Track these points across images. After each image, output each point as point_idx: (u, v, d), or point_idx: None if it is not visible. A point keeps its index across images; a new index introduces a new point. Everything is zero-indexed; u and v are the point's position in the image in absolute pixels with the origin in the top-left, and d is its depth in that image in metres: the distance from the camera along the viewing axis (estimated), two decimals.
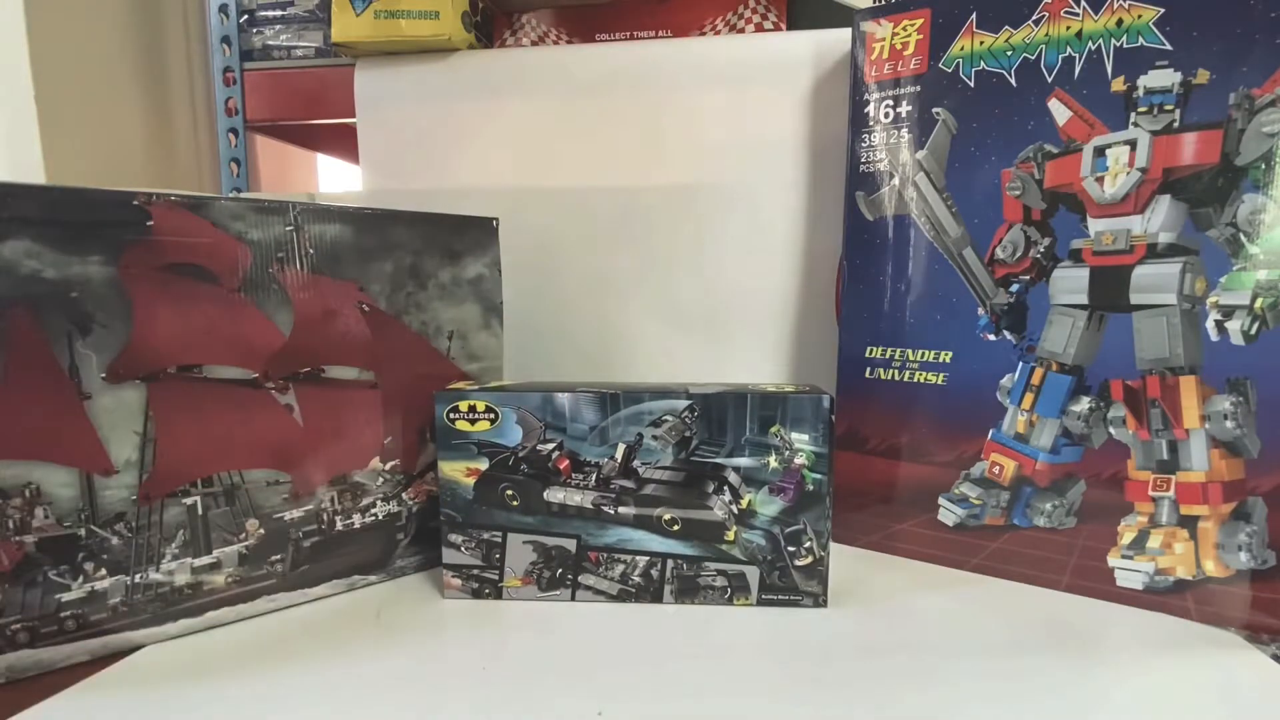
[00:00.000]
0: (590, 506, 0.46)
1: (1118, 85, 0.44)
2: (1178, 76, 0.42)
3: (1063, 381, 0.48)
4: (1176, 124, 0.43)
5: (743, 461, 0.45)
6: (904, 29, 0.52)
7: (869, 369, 0.55)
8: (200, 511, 0.42)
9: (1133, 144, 0.44)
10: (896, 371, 0.54)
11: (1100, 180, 0.45)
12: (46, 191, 0.37)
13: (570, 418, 0.45)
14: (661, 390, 0.45)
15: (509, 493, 0.46)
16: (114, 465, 0.39)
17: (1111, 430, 0.46)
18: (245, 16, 0.77)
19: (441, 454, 0.46)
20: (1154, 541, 0.45)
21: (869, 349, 0.55)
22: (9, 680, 0.37)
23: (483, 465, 0.46)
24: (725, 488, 0.45)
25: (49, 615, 0.38)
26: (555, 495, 0.46)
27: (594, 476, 0.46)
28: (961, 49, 0.49)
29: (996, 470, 0.50)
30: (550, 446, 0.46)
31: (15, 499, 0.36)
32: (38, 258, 0.36)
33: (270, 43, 0.77)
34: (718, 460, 0.45)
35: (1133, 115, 0.44)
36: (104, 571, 0.39)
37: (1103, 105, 0.45)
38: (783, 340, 0.65)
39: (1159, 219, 0.44)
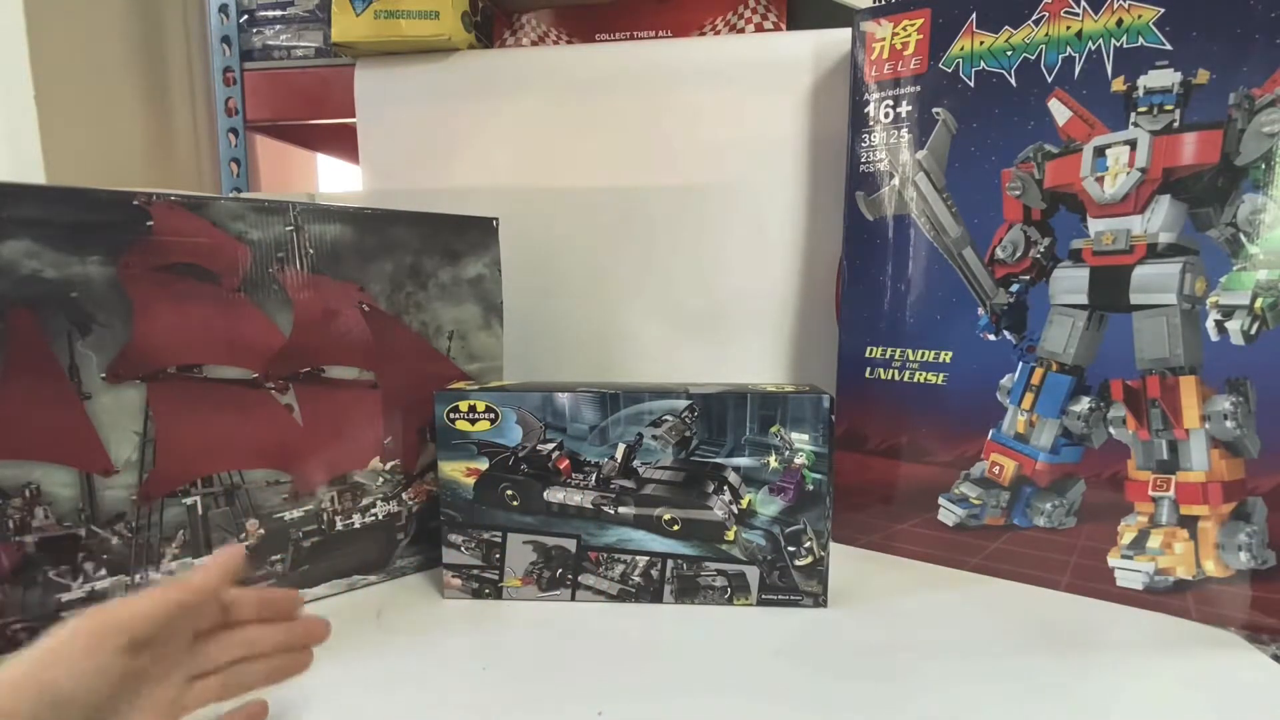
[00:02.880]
0: (590, 506, 0.46)
1: (1118, 85, 0.44)
2: (1178, 76, 0.42)
3: (1063, 381, 0.48)
4: (1176, 124, 0.43)
5: (743, 461, 0.45)
6: (904, 29, 0.52)
7: (869, 369, 0.55)
8: (200, 511, 0.42)
9: (1133, 144, 0.44)
10: (896, 371, 0.54)
11: (1100, 180, 0.45)
12: (46, 191, 0.37)
13: (570, 418, 0.45)
14: (661, 390, 0.45)
15: (509, 493, 0.46)
16: (114, 465, 0.39)
17: (1111, 430, 0.46)
18: (245, 16, 0.77)
19: (441, 454, 0.46)
20: (1154, 541, 0.45)
21: (869, 349, 0.55)
22: None
23: (483, 465, 0.46)
24: (725, 488, 0.45)
25: (49, 615, 0.38)
26: (555, 495, 0.46)
27: (594, 476, 0.46)
28: (961, 49, 0.49)
29: (996, 470, 0.50)
30: (550, 446, 0.46)
31: (15, 499, 0.36)
32: (38, 258, 0.36)
33: (270, 43, 0.77)
34: (718, 460, 0.45)
35: (1133, 115, 0.44)
36: (104, 571, 0.39)
37: (1103, 105, 0.45)
38: (783, 340, 0.65)
39: (1159, 219, 0.44)
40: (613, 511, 0.46)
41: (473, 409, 0.46)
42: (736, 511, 0.45)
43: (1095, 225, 0.46)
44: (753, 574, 0.46)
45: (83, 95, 0.73)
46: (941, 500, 0.52)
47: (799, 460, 0.44)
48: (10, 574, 0.37)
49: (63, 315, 0.37)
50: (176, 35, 0.83)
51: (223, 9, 0.77)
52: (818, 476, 0.44)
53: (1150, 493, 0.45)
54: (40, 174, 0.68)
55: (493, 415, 0.46)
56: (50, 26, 0.68)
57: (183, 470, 0.41)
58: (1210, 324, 0.43)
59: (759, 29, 0.70)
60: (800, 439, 0.44)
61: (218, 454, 0.42)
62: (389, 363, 0.49)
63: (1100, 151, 0.45)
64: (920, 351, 0.53)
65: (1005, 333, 0.49)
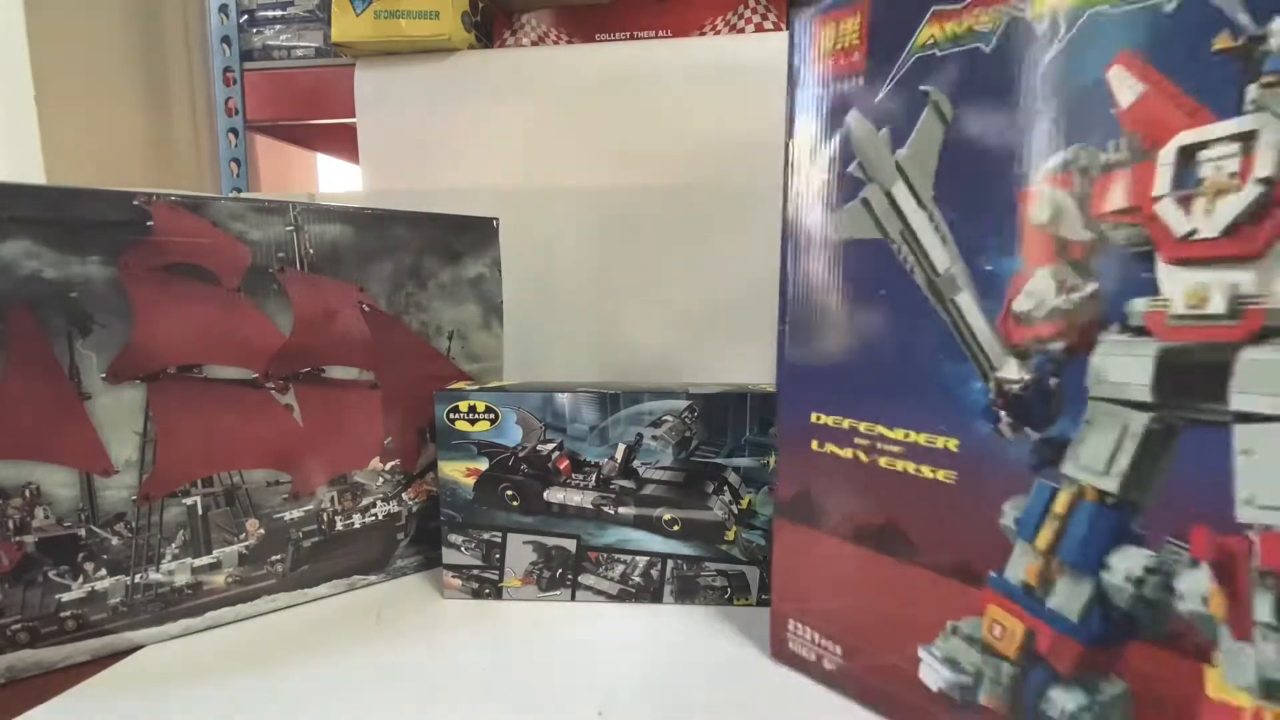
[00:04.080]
0: (590, 506, 0.46)
1: (1223, 42, 0.24)
2: None
3: (1103, 517, 0.28)
4: None
5: (743, 461, 0.45)
6: (847, 25, 0.33)
7: (816, 440, 0.37)
8: (200, 511, 0.42)
9: (1248, 140, 0.24)
10: (856, 450, 0.36)
11: (1187, 201, 0.25)
12: (46, 191, 0.37)
13: (570, 418, 0.45)
14: (661, 390, 0.45)
15: (509, 493, 0.46)
16: (114, 465, 0.39)
17: (1181, 610, 0.26)
18: (245, 16, 0.77)
19: (441, 454, 0.46)
20: None
21: (814, 414, 0.37)
22: (9, 680, 0.37)
23: (483, 465, 0.46)
24: (725, 488, 0.45)
25: (49, 615, 0.38)
26: (555, 495, 0.46)
27: (594, 476, 0.46)
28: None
29: (997, 632, 0.32)
30: (550, 446, 0.46)
31: (15, 499, 0.36)
32: (38, 258, 0.36)
33: (270, 43, 0.77)
34: (718, 460, 0.45)
35: (1250, 90, 0.24)
36: (104, 571, 0.39)
37: (1194, 75, 0.25)
38: None
39: None
40: (613, 512, 0.46)
41: (473, 409, 0.46)
42: (736, 511, 0.45)
43: (1173, 275, 0.26)
44: (753, 574, 0.46)
45: (83, 95, 0.73)
46: (922, 653, 0.34)
47: None
48: (10, 574, 0.37)
49: (63, 315, 0.37)
50: (176, 35, 0.83)
51: (223, 9, 0.77)
52: None
53: None
54: (40, 174, 0.68)
55: (493, 415, 0.46)
56: (50, 26, 0.68)
57: (183, 470, 0.41)
58: None
59: (759, 29, 0.70)
60: None
61: (218, 454, 0.42)
62: (389, 363, 0.49)
63: (1190, 154, 0.25)
64: (891, 428, 0.34)
65: (1012, 427, 0.30)
